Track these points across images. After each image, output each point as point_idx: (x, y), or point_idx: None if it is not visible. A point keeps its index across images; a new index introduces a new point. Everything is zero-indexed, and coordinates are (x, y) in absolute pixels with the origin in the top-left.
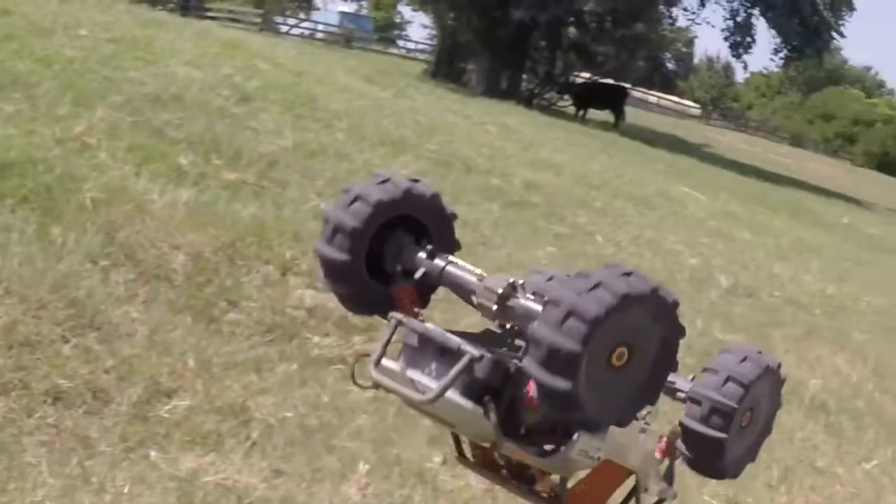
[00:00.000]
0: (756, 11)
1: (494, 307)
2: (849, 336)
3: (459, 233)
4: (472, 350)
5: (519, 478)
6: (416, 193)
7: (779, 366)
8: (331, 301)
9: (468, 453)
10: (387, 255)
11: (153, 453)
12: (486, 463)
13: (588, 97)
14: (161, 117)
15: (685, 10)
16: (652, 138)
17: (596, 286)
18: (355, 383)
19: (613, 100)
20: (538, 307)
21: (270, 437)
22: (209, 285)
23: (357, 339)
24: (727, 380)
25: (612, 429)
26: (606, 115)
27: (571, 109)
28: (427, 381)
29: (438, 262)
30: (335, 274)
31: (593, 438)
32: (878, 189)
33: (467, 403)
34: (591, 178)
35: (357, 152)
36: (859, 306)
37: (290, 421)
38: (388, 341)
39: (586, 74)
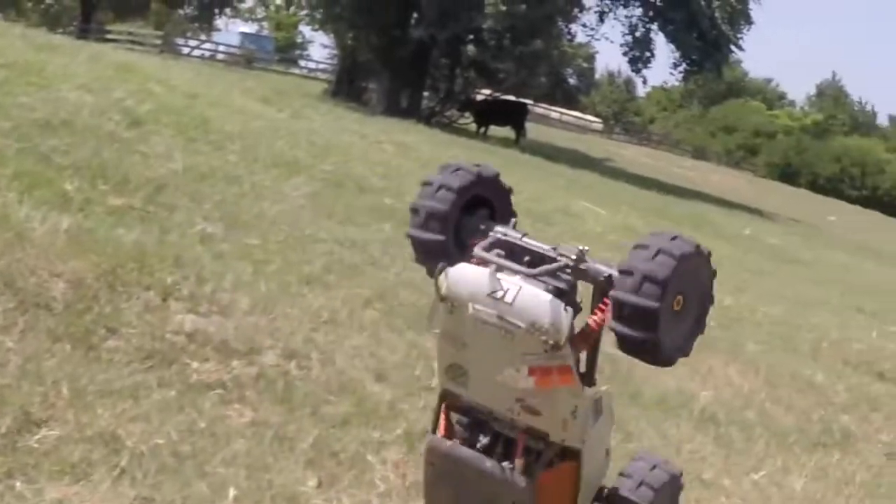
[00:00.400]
0: (654, 26)
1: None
2: (743, 347)
3: (347, 254)
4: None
5: (503, 453)
6: (484, 175)
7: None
8: (211, 326)
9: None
10: (467, 229)
11: (19, 484)
12: (467, 441)
13: (489, 114)
14: (49, 143)
15: (584, 26)
16: (553, 154)
17: (658, 253)
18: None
19: (514, 116)
20: (609, 269)
21: (140, 464)
22: (89, 312)
23: (236, 363)
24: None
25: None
26: (508, 132)
27: (473, 126)
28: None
29: (515, 233)
30: (431, 253)
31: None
32: (780, 199)
33: (547, 296)
34: None
35: (248, 174)
36: (756, 317)
37: (163, 448)
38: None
39: (487, 91)
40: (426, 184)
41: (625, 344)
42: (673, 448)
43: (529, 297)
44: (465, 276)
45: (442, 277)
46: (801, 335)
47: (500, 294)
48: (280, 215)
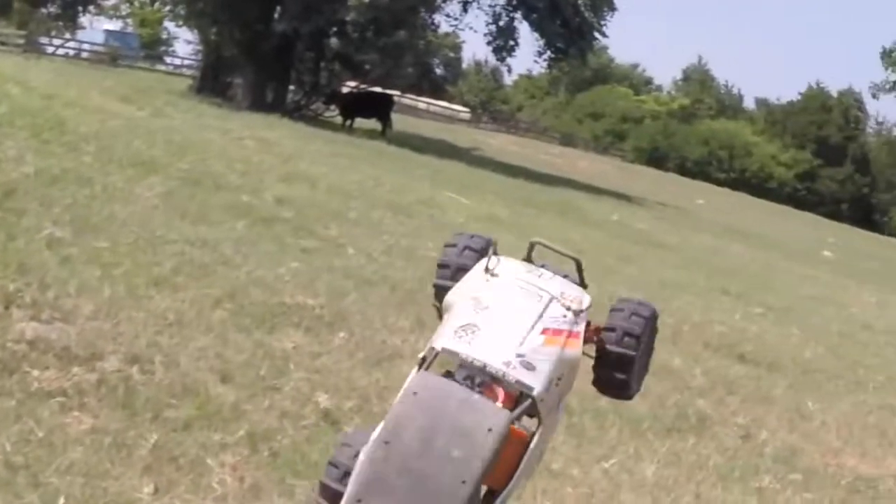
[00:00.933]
0: (518, 15)
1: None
2: None
3: (198, 254)
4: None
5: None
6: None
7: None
8: (53, 333)
9: None
10: None
11: None
12: None
13: (354, 106)
14: None
15: (447, 16)
16: (420, 144)
17: (632, 314)
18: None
19: (380, 108)
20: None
21: None
22: None
23: (77, 370)
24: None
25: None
26: (375, 124)
27: (339, 119)
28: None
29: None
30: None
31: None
32: (648, 184)
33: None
34: (349, 188)
35: (102, 176)
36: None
37: None
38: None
39: (354, 83)
40: (451, 245)
41: (605, 382)
42: None
43: (562, 280)
44: (512, 261)
45: (493, 258)
46: (661, 319)
47: (539, 274)
48: (132, 217)
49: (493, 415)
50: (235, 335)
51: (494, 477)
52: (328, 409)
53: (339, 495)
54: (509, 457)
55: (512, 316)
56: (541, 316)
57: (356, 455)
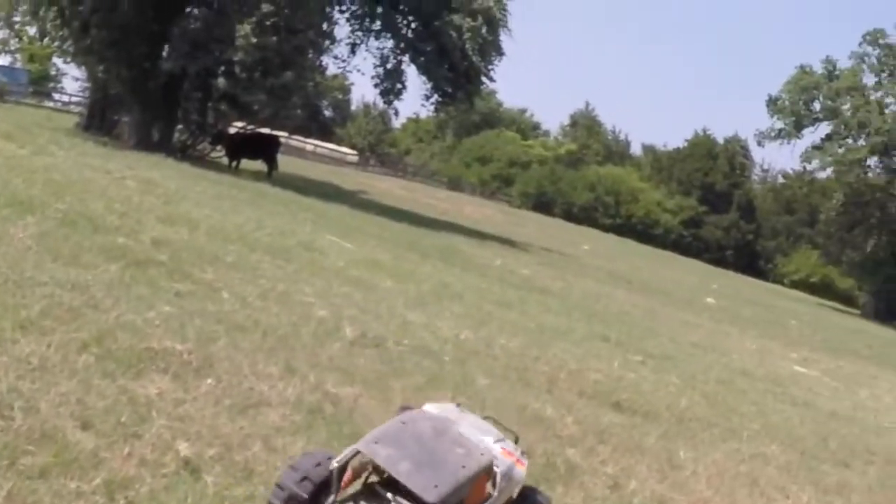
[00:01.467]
0: (406, 58)
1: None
2: (472, 382)
3: (68, 296)
4: None
5: None
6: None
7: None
8: None
9: None
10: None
11: None
12: None
13: (241, 147)
14: None
15: (336, 57)
16: (305, 187)
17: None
18: None
19: (266, 149)
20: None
21: None
22: None
23: None
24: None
25: None
26: (263, 165)
27: (226, 160)
28: None
29: None
30: None
31: None
32: (533, 229)
33: None
34: (229, 231)
35: None
36: (493, 350)
37: None
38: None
39: (241, 124)
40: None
41: None
42: None
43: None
44: None
45: None
46: (537, 367)
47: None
48: (3, 258)
49: (486, 448)
50: (99, 381)
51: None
52: (189, 458)
53: None
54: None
55: None
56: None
57: (303, 479)
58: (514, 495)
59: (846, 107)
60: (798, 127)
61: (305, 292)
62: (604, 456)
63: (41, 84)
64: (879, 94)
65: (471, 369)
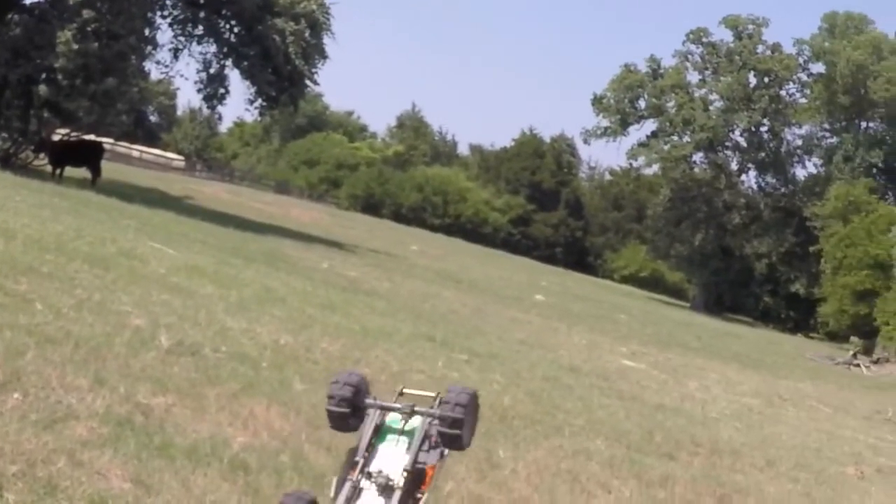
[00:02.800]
0: (229, 63)
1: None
2: (289, 387)
3: None
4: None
5: None
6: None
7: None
8: None
9: None
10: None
11: None
12: None
13: (64, 155)
14: None
15: (158, 63)
16: (130, 193)
17: (460, 392)
18: None
19: (89, 156)
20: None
21: None
22: None
23: None
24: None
25: None
26: (87, 173)
27: (50, 168)
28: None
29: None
30: (340, 419)
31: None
32: (362, 231)
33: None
34: (47, 241)
35: None
36: (313, 355)
37: None
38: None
39: (66, 131)
40: (335, 382)
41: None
42: (195, 500)
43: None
44: None
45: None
46: (359, 370)
47: None
48: None
49: None
50: None
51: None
52: None
53: None
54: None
55: None
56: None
57: None
58: None
59: (671, 104)
60: (624, 125)
61: (123, 301)
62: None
63: None
64: (703, 91)
65: (288, 375)
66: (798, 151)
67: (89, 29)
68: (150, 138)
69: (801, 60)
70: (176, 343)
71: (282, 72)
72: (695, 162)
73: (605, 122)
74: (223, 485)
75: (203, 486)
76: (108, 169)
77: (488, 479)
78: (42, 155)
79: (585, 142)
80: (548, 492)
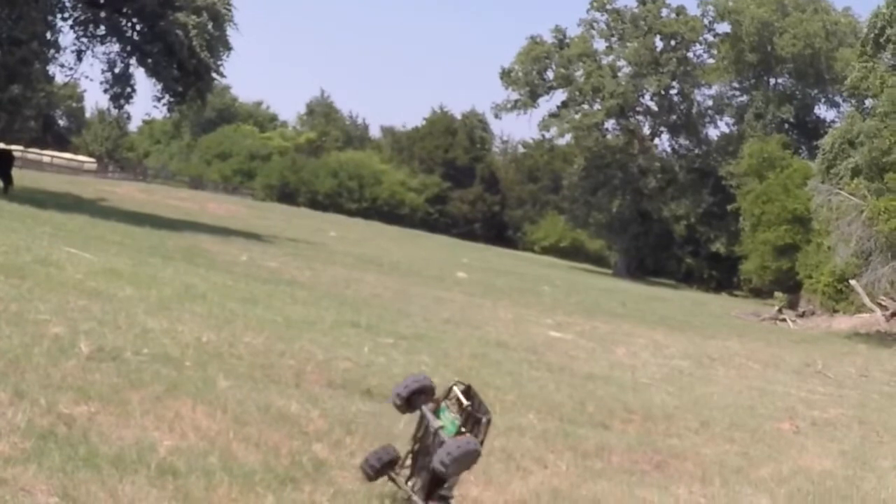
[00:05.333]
0: (133, 61)
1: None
2: (214, 385)
3: None
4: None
5: None
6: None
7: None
8: None
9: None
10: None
11: None
12: None
13: None
14: None
15: (62, 66)
16: (44, 200)
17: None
18: None
19: (0, 166)
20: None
21: None
22: None
23: None
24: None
25: None
26: None
27: None
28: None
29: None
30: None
31: None
32: (279, 221)
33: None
34: None
35: None
36: (236, 350)
37: None
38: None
39: None
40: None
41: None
42: None
43: None
44: None
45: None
46: (283, 362)
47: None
48: None
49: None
50: None
51: None
52: None
53: None
54: None
55: None
56: None
57: None
58: None
59: (579, 73)
60: (533, 97)
61: (40, 310)
62: (352, 447)
63: None
64: (611, 58)
65: (212, 372)
66: (709, 112)
67: None
68: (60, 143)
69: (706, 21)
70: (96, 349)
71: (187, 66)
72: (607, 129)
73: (514, 96)
74: (152, 491)
75: (131, 494)
76: (20, 176)
77: None
78: None
79: (496, 116)
80: (483, 472)
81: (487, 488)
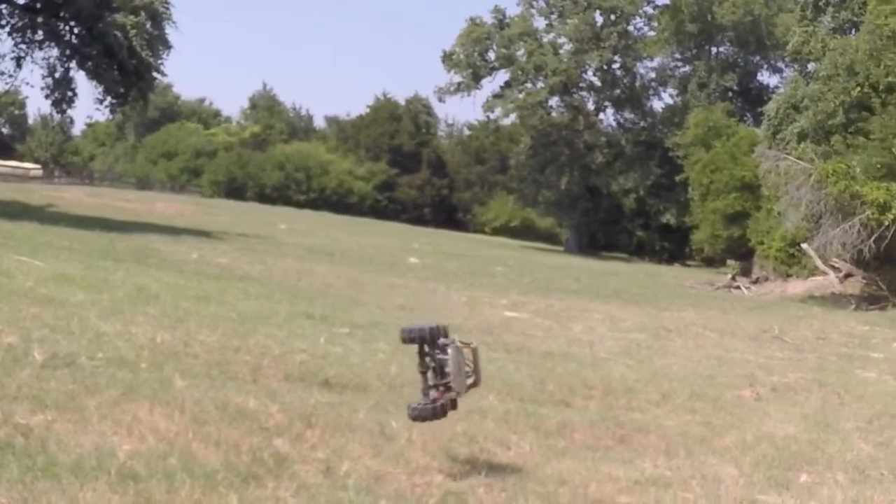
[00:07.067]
0: (73, 65)
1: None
2: (170, 386)
3: None
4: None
5: None
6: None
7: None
8: None
9: None
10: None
11: None
12: None
13: None
14: None
15: (2, 73)
16: None
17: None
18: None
19: None
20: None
21: None
22: None
23: None
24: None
25: None
26: None
27: None
28: None
29: None
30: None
31: None
32: (228, 217)
33: None
34: None
35: None
36: (191, 349)
37: None
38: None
39: None
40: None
41: None
42: None
43: None
44: None
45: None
46: (239, 358)
47: None
48: None
49: None
50: None
51: None
52: None
53: None
54: None
55: None
56: None
57: None
58: None
59: (521, 52)
60: (476, 78)
61: None
62: (313, 440)
63: None
64: (551, 35)
65: (168, 373)
66: (652, 84)
67: None
68: (4, 150)
69: None
70: (50, 356)
71: (127, 67)
72: (551, 107)
73: (457, 78)
74: (113, 498)
75: (92, 502)
76: None
77: (384, 452)
78: None
79: (440, 100)
80: (446, 457)
81: (452, 474)
